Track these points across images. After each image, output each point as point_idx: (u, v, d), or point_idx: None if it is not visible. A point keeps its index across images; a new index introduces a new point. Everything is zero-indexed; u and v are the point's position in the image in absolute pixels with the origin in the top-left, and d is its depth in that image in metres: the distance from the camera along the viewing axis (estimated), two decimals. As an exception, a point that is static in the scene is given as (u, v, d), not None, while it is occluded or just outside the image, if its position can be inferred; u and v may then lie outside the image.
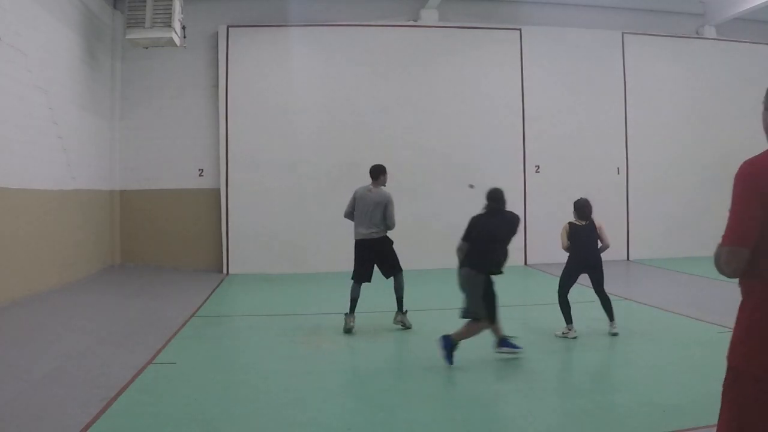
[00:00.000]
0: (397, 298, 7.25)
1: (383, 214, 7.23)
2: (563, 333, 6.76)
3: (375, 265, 7.28)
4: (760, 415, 2.22)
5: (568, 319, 6.77)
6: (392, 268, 7.31)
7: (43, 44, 9.20)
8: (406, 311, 7.25)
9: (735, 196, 2.28)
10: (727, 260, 2.26)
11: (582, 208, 7.04)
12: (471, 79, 13.31)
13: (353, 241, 7.39)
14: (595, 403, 4.71)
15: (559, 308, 6.84)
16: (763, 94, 2.37)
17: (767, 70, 14.30)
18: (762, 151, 2.30)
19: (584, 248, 6.90)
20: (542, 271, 12.10)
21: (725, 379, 2.35)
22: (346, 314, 7.03)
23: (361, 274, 7.19)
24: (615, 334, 6.70)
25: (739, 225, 2.25)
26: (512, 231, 6.02)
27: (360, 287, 7.17)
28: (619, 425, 4.21)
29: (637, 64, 13.92)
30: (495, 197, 6.03)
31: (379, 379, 5.44)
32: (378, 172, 7.52)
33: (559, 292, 6.92)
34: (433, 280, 10.90)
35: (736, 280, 2.35)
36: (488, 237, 5.82)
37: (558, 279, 7.13)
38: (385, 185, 7.53)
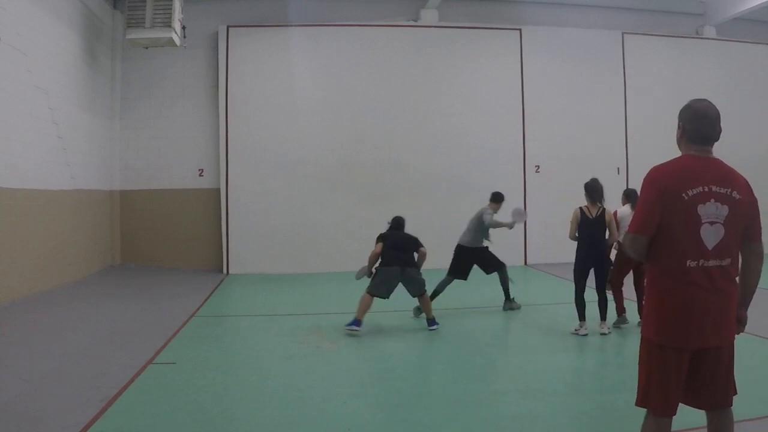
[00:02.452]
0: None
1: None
2: (575, 330, 6.83)
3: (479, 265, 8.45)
4: (665, 373, 2.80)
5: (581, 316, 6.81)
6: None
7: (43, 44, 9.21)
8: (513, 298, 8.32)
9: (642, 195, 2.85)
10: (630, 244, 2.85)
11: (594, 190, 6.90)
12: (471, 79, 13.31)
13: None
14: (595, 403, 4.71)
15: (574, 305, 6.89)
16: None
17: (767, 70, 14.33)
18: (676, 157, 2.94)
19: (590, 242, 6.81)
20: (542, 271, 12.10)
21: (640, 347, 2.94)
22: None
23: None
24: (604, 334, 6.77)
25: (643, 217, 2.80)
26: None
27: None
28: (619, 425, 4.21)
29: (637, 64, 13.93)
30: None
31: (380, 379, 5.44)
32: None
33: (575, 291, 6.91)
34: (432, 281, 10.89)
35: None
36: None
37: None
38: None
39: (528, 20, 13.47)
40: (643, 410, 2.98)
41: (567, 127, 13.50)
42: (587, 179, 7.14)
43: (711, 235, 2.74)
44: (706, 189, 2.75)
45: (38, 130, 9.14)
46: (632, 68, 13.92)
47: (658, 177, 2.81)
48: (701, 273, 2.73)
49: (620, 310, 7.23)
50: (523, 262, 13.29)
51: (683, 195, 2.74)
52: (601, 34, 13.82)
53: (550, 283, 10.84)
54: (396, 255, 7.10)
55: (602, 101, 13.78)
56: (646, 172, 2.95)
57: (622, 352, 6.24)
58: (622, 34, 13.93)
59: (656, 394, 2.83)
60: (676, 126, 3.00)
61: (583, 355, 6.29)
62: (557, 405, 4.66)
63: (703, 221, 2.74)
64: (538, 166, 13.49)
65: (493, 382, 5.31)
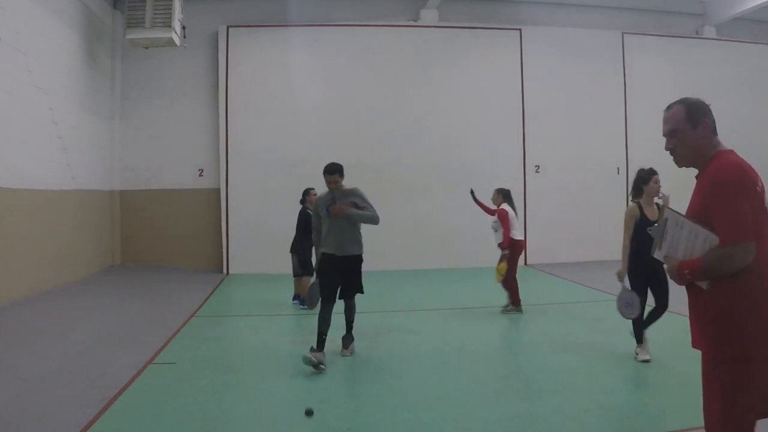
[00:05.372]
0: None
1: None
2: (636, 353, 5.80)
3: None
4: (743, 392, 2.35)
5: (642, 338, 5.82)
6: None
7: (43, 44, 9.20)
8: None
9: (727, 198, 2.42)
10: (744, 257, 2.35)
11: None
12: (471, 79, 13.31)
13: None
14: (595, 403, 4.71)
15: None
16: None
17: (767, 70, 14.32)
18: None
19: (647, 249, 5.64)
20: (542, 271, 12.09)
21: (708, 368, 2.46)
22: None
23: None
24: (640, 359, 5.69)
25: (743, 222, 2.38)
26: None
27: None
28: (619, 425, 4.21)
29: (636, 64, 13.93)
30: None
31: (380, 379, 5.44)
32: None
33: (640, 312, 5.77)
34: (433, 281, 10.90)
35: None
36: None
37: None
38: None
39: (528, 20, 13.47)
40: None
41: (567, 127, 13.50)
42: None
43: None
44: (761, 182, 2.54)
45: (38, 130, 9.14)
46: (632, 68, 13.92)
47: (739, 175, 2.49)
48: None
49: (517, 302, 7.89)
50: (523, 262, 13.26)
51: (757, 188, 2.49)
52: (601, 34, 13.82)
53: (550, 283, 10.84)
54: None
55: (602, 101, 13.78)
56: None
57: (623, 353, 6.23)
58: (622, 34, 13.92)
59: (742, 412, 2.39)
60: (697, 124, 2.72)
61: (583, 355, 6.29)
62: (557, 405, 4.66)
63: None
64: (538, 166, 13.49)
65: (493, 382, 5.31)
